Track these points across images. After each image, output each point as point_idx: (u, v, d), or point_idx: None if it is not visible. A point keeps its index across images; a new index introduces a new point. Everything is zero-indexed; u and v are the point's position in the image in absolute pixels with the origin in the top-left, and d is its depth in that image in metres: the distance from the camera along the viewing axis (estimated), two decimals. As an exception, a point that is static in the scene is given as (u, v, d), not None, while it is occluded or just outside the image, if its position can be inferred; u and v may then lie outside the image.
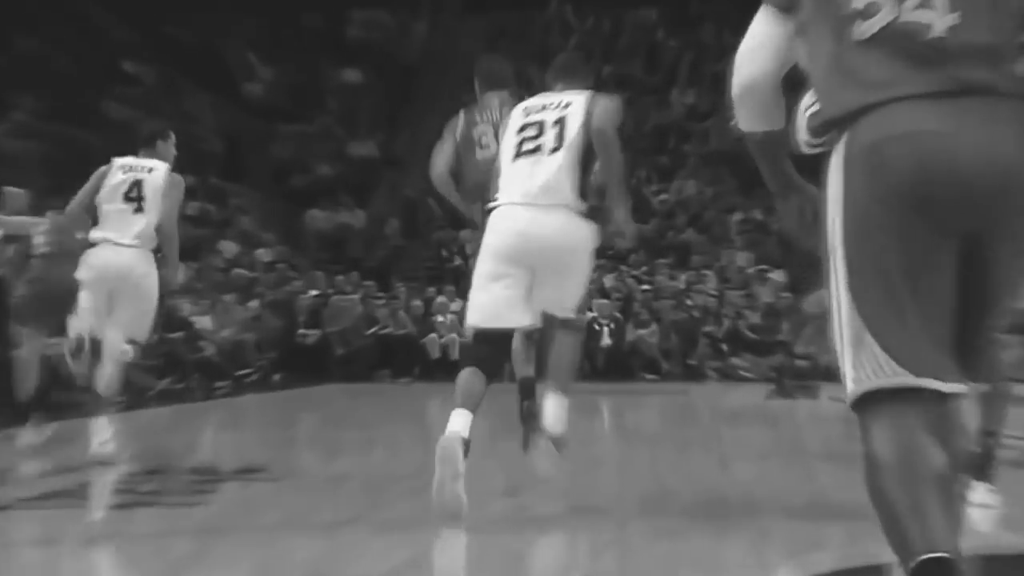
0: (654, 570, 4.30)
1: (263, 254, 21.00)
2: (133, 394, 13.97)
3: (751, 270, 19.91)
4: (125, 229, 7.49)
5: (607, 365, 17.72)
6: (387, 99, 25.75)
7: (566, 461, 7.13)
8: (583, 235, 5.54)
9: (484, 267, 5.65)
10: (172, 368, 15.17)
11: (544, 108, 5.71)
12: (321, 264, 21.44)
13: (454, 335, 18.44)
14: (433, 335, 18.40)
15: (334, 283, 19.60)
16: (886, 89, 2.69)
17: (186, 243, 21.77)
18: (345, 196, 23.29)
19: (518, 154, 5.60)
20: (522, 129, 5.64)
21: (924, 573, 2.44)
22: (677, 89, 24.71)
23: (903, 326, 2.62)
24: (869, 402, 2.64)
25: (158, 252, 7.60)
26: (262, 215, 22.68)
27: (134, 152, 8.16)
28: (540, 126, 5.62)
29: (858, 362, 2.65)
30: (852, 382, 2.67)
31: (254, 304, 17.55)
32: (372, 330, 18.39)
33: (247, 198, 22.63)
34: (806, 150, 3.52)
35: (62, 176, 22.49)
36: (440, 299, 19.27)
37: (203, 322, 16.82)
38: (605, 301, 18.06)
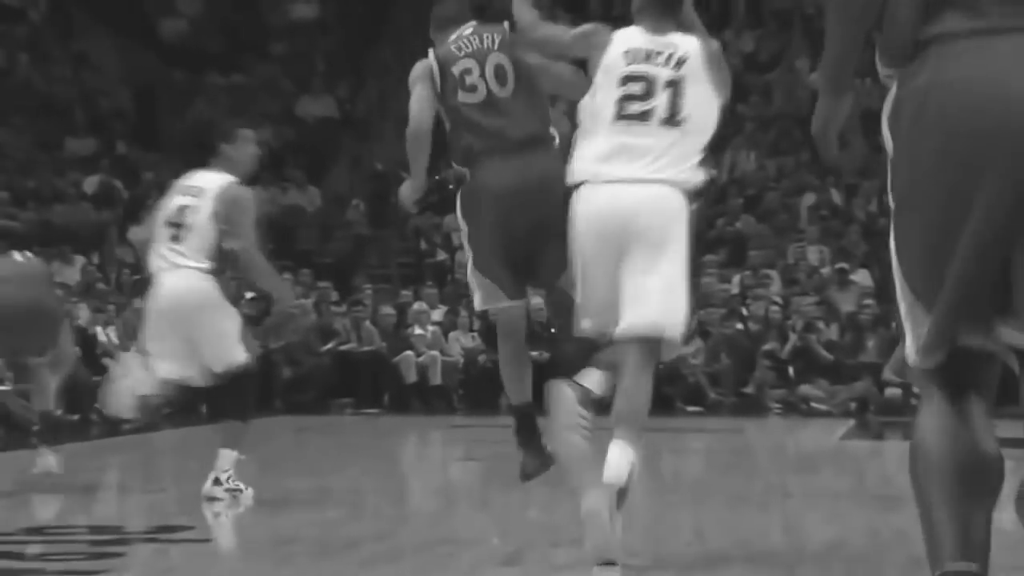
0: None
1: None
2: (11, 430, 14.03)
3: (827, 270, 19.93)
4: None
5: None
6: (349, 42, 25.79)
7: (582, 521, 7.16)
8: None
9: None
10: (64, 394, 15.22)
11: (649, 57, 6.08)
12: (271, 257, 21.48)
13: (435, 353, 18.47)
14: (409, 352, 18.44)
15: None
16: (938, 24, 3.22)
17: (84, 230, 21.96)
18: (294, 170, 23.33)
19: (619, 115, 5.97)
20: (624, 81, 6.00)
21: None
22: (731, 32, 24.74)
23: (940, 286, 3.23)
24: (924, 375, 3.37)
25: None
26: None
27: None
28: (647, 83, 6.01)
29: (915, 334, 3.34)
30: (911, 353, 3.38)
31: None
32: (328, 346, 18.45)
33: (163, 171, 22.68)
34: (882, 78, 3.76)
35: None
36: (418, 305, 19.30)
37: (105, 335, 16.87)
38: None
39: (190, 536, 6.99)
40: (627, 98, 5.95)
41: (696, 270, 6.01)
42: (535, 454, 6.90)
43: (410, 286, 20.56)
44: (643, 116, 5.93)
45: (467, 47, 6.74)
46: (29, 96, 23.70)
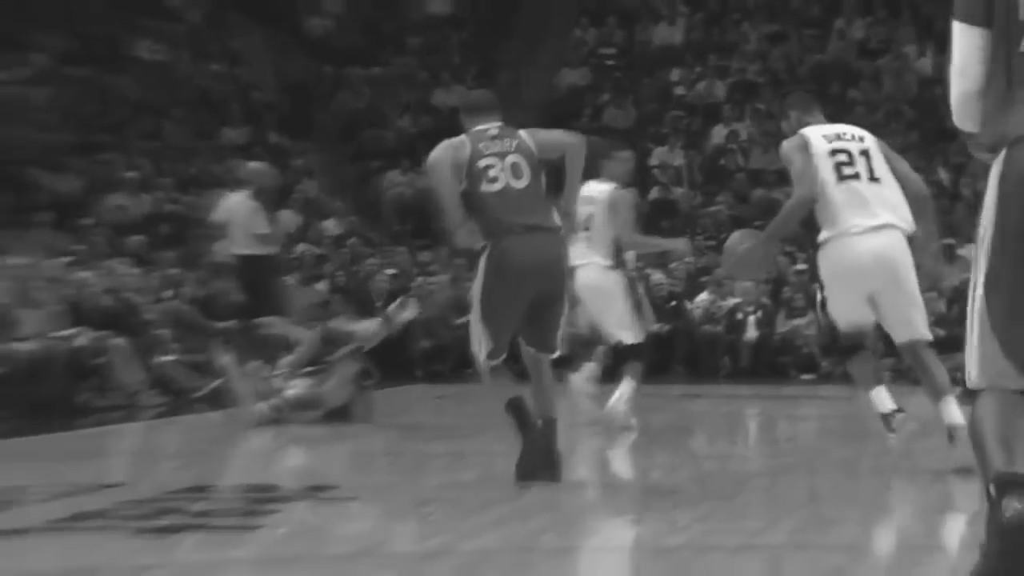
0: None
1: (331, 226, 21.27)
2: (175, 397, 14.29)
3: (935, 245, 19.64)
4: None
5: (753, 363, 17.65)
6: (481, 36, 25.82)
7: (703, 481, 7.18)
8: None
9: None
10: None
11: (839, 138, 7.93)
12: (402, 239, 21.61)
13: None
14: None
15: (418, 262, 19.75)
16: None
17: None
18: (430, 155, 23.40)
19: (841, 177, 7.76)
20: (833, 154, 7.80)
21: (1003, 484, 3.67)
22: (842, 20, 24.44)
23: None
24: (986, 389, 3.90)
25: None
26: (330, 179, 22.95)
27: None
28: (848, 154, 7.81)
29: (984, 358, 3.88)
30: (976, 374, 3.94)
31: (321, 287, 17.76)
32: (464, 319, 18.51)
33: (311, 159, 22.90)
34: (973, 151, 3.97)
35: (88, 129, 23.03)
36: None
37: (259, 309, 17.06)
38: (750, 285, 17.96)
39: (338, 495, 7.08)
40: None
41: None
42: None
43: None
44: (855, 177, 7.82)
45: (492, 148, 7.41)
46: (189, 90, 24.03)
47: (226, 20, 25.52)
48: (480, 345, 7.44)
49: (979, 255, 3.85)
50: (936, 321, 17.94)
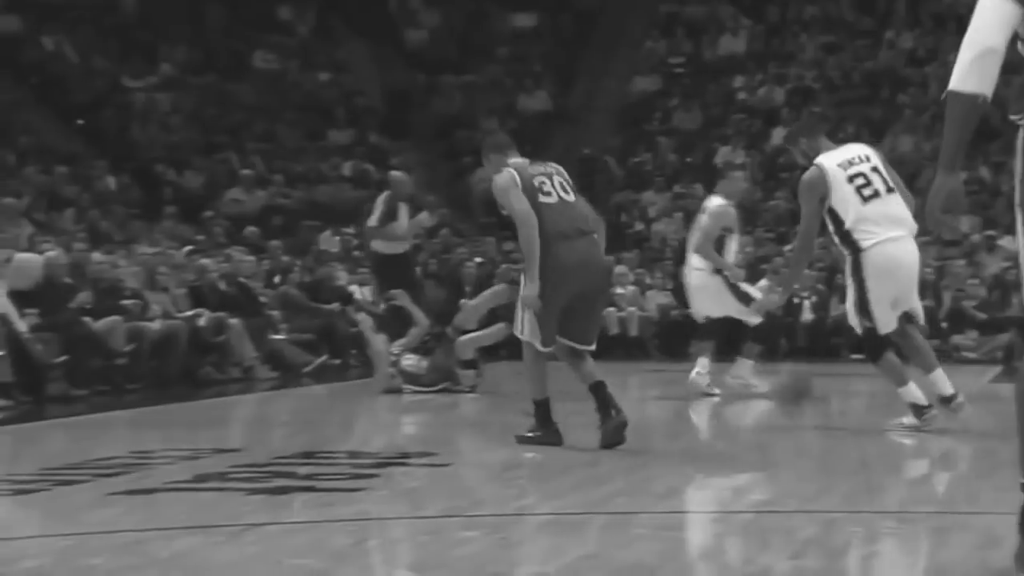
0: (859, 573, 4.25)
1: (425, 219, 21.31)
2: (285, 371, 14.39)
3: (977, 236, 19.36)
4: None
5: (809, 343, 17.49)
6: (562, 46, 25.74)
7: (763, 451, 7.11)
8: None
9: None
10: (328, 343, 15.53)
11: (852, 163, 8.23)
12: (489, 229, 21.60)
13: (634, 309, 18.42)
14: (611, 308, 18.41)
15: (503, 250, 19.74)
16: None
17: (342, 206, 22.28)
18: (515, 155, 23.38)
19: (864, 199, 8.11)
20: (851, 179, 8.14)
21: None
22: (892, 31, 24.13)
23: None
24: None
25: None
26: (424, 176, 22.97)
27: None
28: (864, 176, 8.17)
29: None
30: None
31: (415, 273, 17.76)
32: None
33: (408, 157, 22.94)
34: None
35: (209, 131, 23.19)
36: (619, 268, 19.25)
37: (362, 293, 17.13)
38: (806, 272, 17.80)
39: (434, 461, 7.08)
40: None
41: None
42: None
43: (613, 252, 20.51)
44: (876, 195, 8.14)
45: (538, 170, 7.71)
46: (298, 95, 24.17)
47: (333, 32, 25.62)
48: (534, 334, 7.44)
49: (1019, 222, 3.80)
50: (977, 305, 17.78)
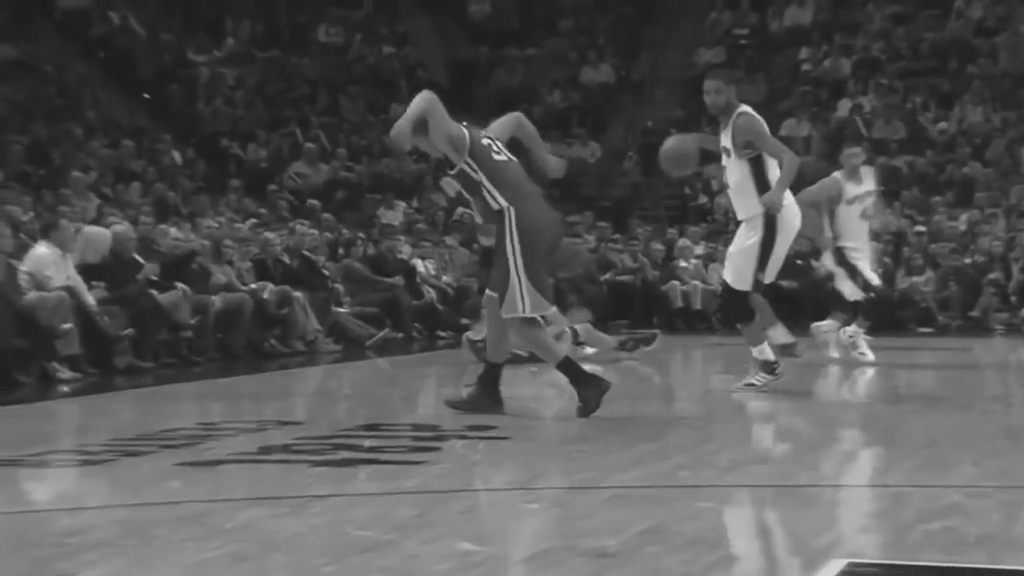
0: (924, 550, 4.20)
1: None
2: (348, 344, 14.45)
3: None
4: None
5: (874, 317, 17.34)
6: (626, 18, 25.60)
7: (828, 425, 7.05)
8: None
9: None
10: (391, 316, 15.57)
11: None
12: (551, 203, 21.54)
13: (697, 282, 18.35)
14: (675, 282, 18.35)
15: (565, 224, 19.70)
16: None
17: (406, 179, 22.32)
18: (578, 128, 23.34)
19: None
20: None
21: None
22: (961, 1, 23.78)
23: None
24: None
25: None
26: (487, 149, 22.98)
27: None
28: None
29: None
30: None
31: (478, 247, 17.79)
32: (607, 276, 18.43)
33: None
34: None
35: (275, 106, 23.24)
36: (683, 242, 19.17)
37: (424, 266, 17.17)
38: (873, 243, 17.63)
39: (495, 434, 7.08)
40: None
41: None
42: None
43: (676, 225, 20.45)
44: None
45: (482, 133, 7.95)
46: (362, 69, 24.20)
47: (396, 6, 25.62)
48: (539, 304, 7.56)
49: None
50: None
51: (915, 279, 17.89)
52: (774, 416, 8.33)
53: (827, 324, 12.00)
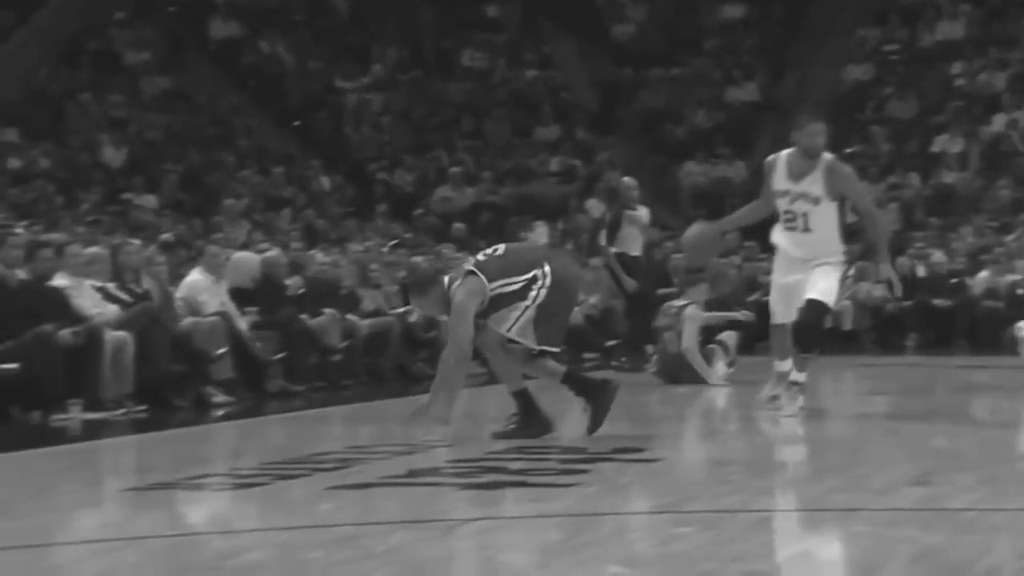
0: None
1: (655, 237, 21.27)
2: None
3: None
4: None
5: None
6: (771, 37, 25.39)
7: (986, 447, 6.89)
8: None
9: None
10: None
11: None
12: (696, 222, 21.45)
13: (848, 302, 18.07)
14: (825, 302, 18.10)
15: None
16: None
17: (550, 202, 22.27)
18: (723, 147, 23.19)
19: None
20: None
21: None
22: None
23: None
24: None
25: None
26: (632, 170, 22.95)
27: None
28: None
29: None
30: None
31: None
32: (753, 296, 18.24)
33: (615, 152, 22.91)
34: None
35: (421, 130, 23.48)
36: (832, 261, 18.91)
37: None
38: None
39: (644, 456, 7.05)
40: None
41: None
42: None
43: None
44: None
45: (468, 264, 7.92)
46: (506, 92, 24.36)
47: (540, 29, 25.75)
48: (520, 332, 7.67)
49: None
50: None
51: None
52: (930, 437, 8.16)
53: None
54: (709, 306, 12.80)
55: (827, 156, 8.66)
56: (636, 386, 12.03)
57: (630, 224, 14.12)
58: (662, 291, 14.35)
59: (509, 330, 7.64)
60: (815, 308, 8.60)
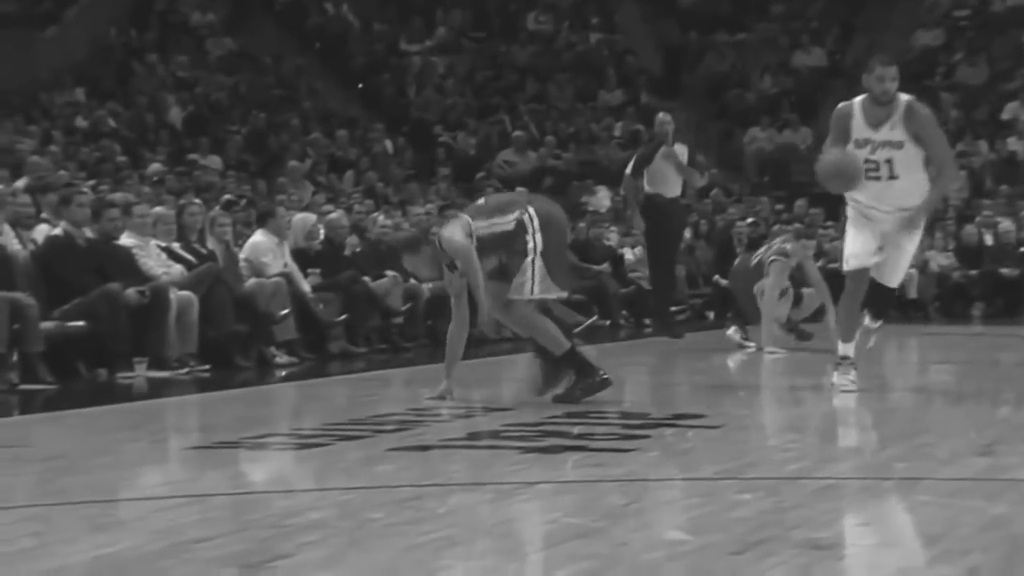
0: None
1: (695, 179, 21.14)
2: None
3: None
4: None
5: None
6: (840, 1, 25.10)
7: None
8: None
9: None
10: (598, 303, 15.58)
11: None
12: (761, 189, 21.30)
13: (913, 270, 17.90)
14: (889, 270, 17.93)
15: (775, 211, 19.44)
16: None
17: (613, 166, 22.34)
18: (789, 113, 22.99)
19: None
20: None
21: None
22: None
23: None
24: None
25: None
26: (696, 136, 22.82)
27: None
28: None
29: None
30: None
31: (686, 234, 17.66)
32: (819, 263, 18.09)
33: (679, 117, 22.72)
34: None
35: (484, 94, 23.43)
36: (899, 229, 18.72)
37: (632, 254, 17.12)
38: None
39: (704, 423, 7.02)
40: None
41: None
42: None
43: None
44: None
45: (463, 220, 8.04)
46: (571, 57, 24.26)
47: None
48: (542, 288, 7.80)
49: None
50: None
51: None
52: (995, 407, 8.08)
53: None
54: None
55: (903, 97, 8.33)
56: (695, 352, 12.00)
57: (665, 160, 13.01)
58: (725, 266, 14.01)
59: (532, 291, 7.75)
60: (886, 291, 8.51)
